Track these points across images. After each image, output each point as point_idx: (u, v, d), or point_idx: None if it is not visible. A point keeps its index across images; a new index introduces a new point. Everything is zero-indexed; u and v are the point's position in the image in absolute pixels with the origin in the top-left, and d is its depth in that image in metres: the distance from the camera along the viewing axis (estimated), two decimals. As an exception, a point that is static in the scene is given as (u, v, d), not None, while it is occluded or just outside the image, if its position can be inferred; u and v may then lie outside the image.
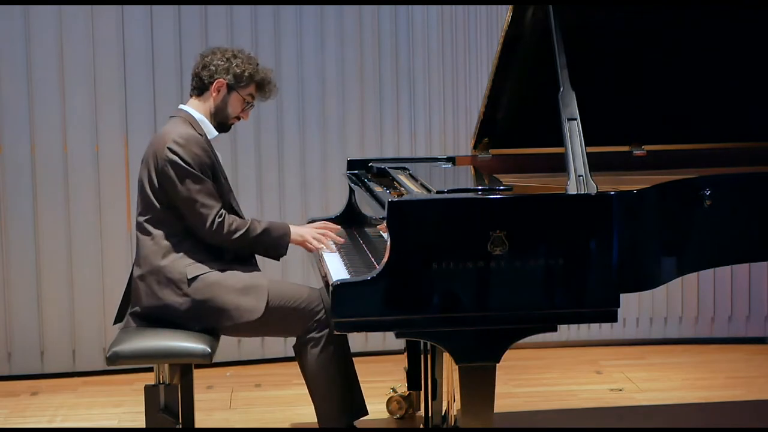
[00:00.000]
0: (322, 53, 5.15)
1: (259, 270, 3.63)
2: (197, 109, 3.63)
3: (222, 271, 3.51)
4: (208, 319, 3.47)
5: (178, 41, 4.98)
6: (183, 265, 3.48)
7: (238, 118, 3.69)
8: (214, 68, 3.60)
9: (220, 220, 3.47)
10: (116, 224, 5.00)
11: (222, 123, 3.66)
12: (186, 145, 3.47)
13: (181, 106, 3.67)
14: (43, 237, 4.96)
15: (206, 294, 3.46)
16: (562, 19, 3.43)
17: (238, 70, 3.59)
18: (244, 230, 3.51)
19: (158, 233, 3.52)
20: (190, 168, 3.46)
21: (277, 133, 5.15)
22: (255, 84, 3.65)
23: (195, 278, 3.46)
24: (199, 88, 3.64)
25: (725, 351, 5.36)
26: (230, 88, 3.61)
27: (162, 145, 3.49)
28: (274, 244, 3.58)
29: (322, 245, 3.63)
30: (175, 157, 3.46)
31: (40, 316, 4.99)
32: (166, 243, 3.51)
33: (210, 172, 3.52)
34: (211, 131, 3.63)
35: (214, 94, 3.61)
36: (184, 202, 3.47)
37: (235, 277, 3.51)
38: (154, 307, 3.50)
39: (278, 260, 3.67)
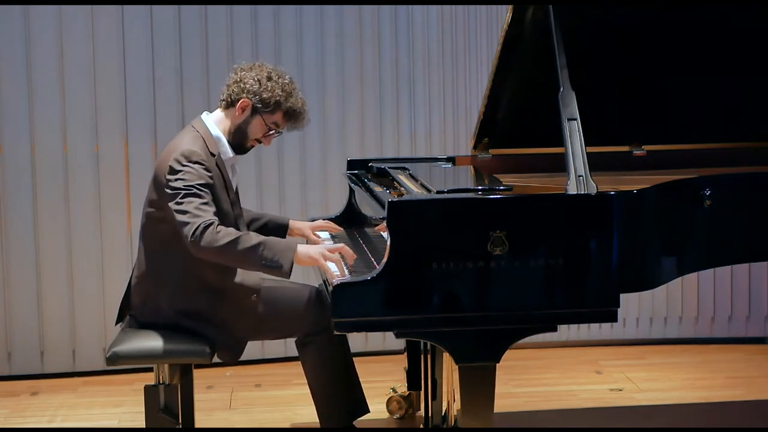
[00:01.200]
0: (322, 53, 5.15)
1: (258, 290, 3.50)
2: (218, 124, 3.48)
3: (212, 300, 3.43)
4: (206, 326, 3.45)
5: (178, 41, 4.98)
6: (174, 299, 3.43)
7: (259, 142, 3.50)
8: (243, 86, 3.42)
9: (204, 227, 3.21)
10: (116, 224, 5.00)
11: (240, 144, 3.49)
12: (187, 162, 3.32)
13: (203, 117, 3.51)
14: (43, 237, 4.96)
15: (204, 304, 3.43)
16: (562, 19, 3.43)
17: (266, 95, 3.41)
18: (230, 239, 3.20)
19: (159, 238, 3.43)
20: (186, 185, 3.29)
21: (277, 133, 5.14)
22: (282, 113, 3.46)
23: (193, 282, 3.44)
24: (227, 102, 3.47)
25: (725, 351, 5.36)
26: (255, 110, 3.44)
27: (167, 158, 3.36)
28: (272, 259, 3.21)
29: (334, 267, 3.28)
30: (173, 175, 3.31)
31: (40, 316, 4.99)
32: (166, 249, 3.42)
33: (210, 190, 3.34)
34: (226, 151, 3.46)
35: (237, 113, 3.45)
36: (175, 213, 3.28)
37: (222, 311, 3.44)
38: (153, 310, 3.47)
39: (285, 277, 3.28)
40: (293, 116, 3.48)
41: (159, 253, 3.45)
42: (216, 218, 3.27)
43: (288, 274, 3.24)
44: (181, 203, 3.27)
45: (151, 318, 3.48)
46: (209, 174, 3.36)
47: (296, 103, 3.47)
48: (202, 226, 3.21)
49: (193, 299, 3.43)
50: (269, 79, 3.44)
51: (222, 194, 3.43)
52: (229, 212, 3.45)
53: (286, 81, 3.47)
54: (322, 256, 3.26)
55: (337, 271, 3.24)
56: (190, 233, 3.21)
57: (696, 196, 3.42)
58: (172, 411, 3.40)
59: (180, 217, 3.25)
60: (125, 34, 4.95)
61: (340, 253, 3.31)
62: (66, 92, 4.93)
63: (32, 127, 4.91)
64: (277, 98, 3.42)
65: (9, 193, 4.93)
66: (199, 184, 3.30)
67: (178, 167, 3.32)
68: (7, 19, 4.85)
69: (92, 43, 4.92)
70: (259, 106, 3.43)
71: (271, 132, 3.49)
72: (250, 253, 3.21)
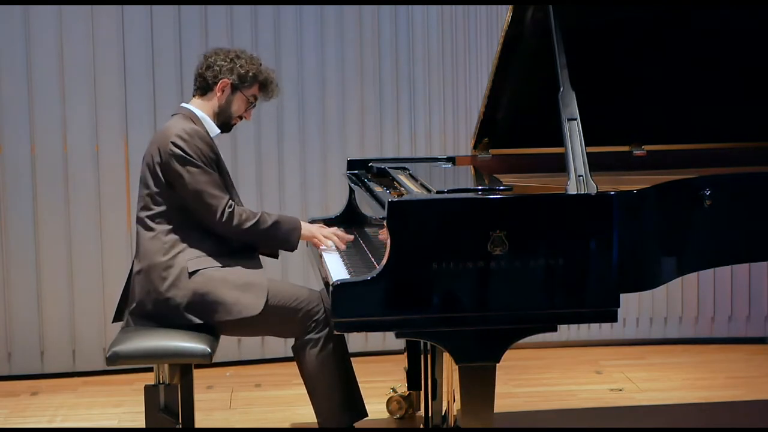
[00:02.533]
0: (322, 53, 5.15)
1: (262, 267, 3.63)
2: (200, 108, 3.65)
3: (224, 267, 3.51)
4: (207, 313, 3.46)
5: (178, 41, 4.99)
6: (185, 259, 3.49)
7: (241, 118, 3.70)
8: (218, 68, 3.62)
9: (230, 210, 3.49)
10: (116, 224, 5.00)
11: (225, 123, 3.68)
12: (190, 139, 3.49)
13: (184, 105, 3.69)
14: (43, 237, 4.96)
15: (206, 287, 3.46)
16: (562, 19, 3.43)
17: (242, 71, 3.62)
18: (254, 221, 3.53)
19: (160, 228, 3.53)
20: (195, 160, 3.48)
21: (277, 133, 5.15)
22: (258, 84, 3.68)
23: (195, 272, 3.47)
24: (203, 88, 3.66)
25: (725, 351, 5.36)
26: (234, 88, 3.63)
27: (166, 140, 3.51)
28: (285, 237, 3.60)
29: (331, 243, 3.66)
30: (180, 151, 3.48)
31: (40, 316, 4.99)
32: (167, 238, 3.52)
33: (215, 165, 3.55)
34: (213, 129, 3.64)
35: (218, 94, 3.63)
36: (191, 195, 3.49)
37: (236, 273, 3.51)
38: (154, 301, 3.50)
39: (292, 251, 3.69)
40: (267, 85, 3.71)
41: (163, 240, 3.51)
42: (228, 195, 3.53)
43: (295, 248, 3.66)
44: (196, 182, 3.48)
45: (154, 309, 3.49)
46: (212, 149, 3.55)
47: (268, 73, 3.71)
48: (228, 210, 3.50)
49: (197, 285, 3.47)
50: (238, 57, 3.66)
51: (223, 169, 3.62)
52: (228, 188, 3.62)
53: (251, 56, 3.70)
54: (321, 234, 3.66)
55: (332, 246, 3.64)
56: (216, 216, 3.48)
57: (696, 196, 3.42)
58: (172, 411, 3.40)
59: (198, 199, 3.48)
60: (125, 34, 4.95)
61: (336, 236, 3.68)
62: (66, 92, 4.93)
63: (32, 127, 4.91)
64: (253, 71, 3.65)
65: (9, 193, 4.93)
66: (205, 161, 3.51)
67: (182, 144, 3.49)
68: (7, 19, 4.85)
69: (92, 43, 4.92)
70: (237, 82, 3.63)
71: (251, 104, 3.70)
72: (267, 233, 3.57)
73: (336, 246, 3.66)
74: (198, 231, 3.54)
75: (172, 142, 3.48)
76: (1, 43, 4.87)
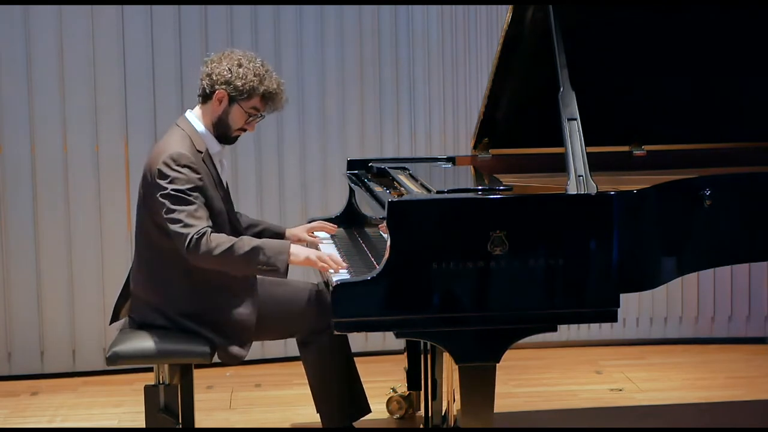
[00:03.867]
0: (322, 53, 5.15)
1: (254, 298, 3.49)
2: (201, 120, 3.47)
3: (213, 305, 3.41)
4: (203, 326, 3.43)
5: (178, 41, 4.98)
6: (176, 295, 3.42)
7: (244, 130, 3.50)
8: (216, 78, 3.41)
9: (197, 237, 3.23)
10: (116, 224, 5.00)
11: (224, 134, 3.48)
12: (176, 166, 3.31)
13: (187, 114, 3.50)
14: (43, 237, 4.96)
15: (202, 308, 3.42)
16: (562, 19, 3.43)
17: (239, 83, 3.39)
18: (227, 246, 3.23)
19: (157, 240, 3.42)
20: (177, 190, 3.29)
21: (277, 133, 5.14)
22: (259, 97, 3.44)
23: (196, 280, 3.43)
24: (203, 96, 3.47)
25: (725, 351, 5.36)
26: (232, 99, 3.42)
27: (156, 160, 3.35)
28: (268, 262, 3.26)
29: (327, 267, 3.32)
30: (162, 181, 3.30)
31: (40, 316, 4.99)
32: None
33: (201, 193, 3.34)
34: (213, 146, 3.46)
35: (215, 105, 3.44)
36: (168, 222, 3.28)
37: (226, 312, 3.41)
38: (154, 308, 3.47)
39: (283, 277, 3.33)
40: (271, 98, 3.47)
41: (155, 253, 3.44)
42: (209, 226, 3.28)
43: (285, 275, 3.29)
44: (173, 210, 3.27)
45: (150, 320, 3.47)
46: (199, 176, 3.34)
47: (271, 85, 3.46)
48: (196, 236, 3.23)
49: (192, 300, 3.42)
50: (240, 66, 3.41)
51: (213, 192, 3.42)
52: (222, 210, 3.44)
53: (258, 65, 3.45)
54: (317, 258, 3.31)
55: (331, 270, 3.29)
56: (185, 244, 3.23)
57: (696, 196, 3.42)
58: (172, 411, 3.40)
59: (173, 227, 3.26)
60: (125, 34, 4.95)
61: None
62: (66, 92, 4.93)
63: (32, 127, 4.91)
64: (251, 84, 3.40)
65: (9, 193, 4.93)
66: (189, 189, 3.30)
67: (167, 171, 3.30)
68: (7, 19, 4.85)
69: (92, 43, 4.92)
70: (235, 94, 3.41)
71: (251, 118, 3.48)
72: (246, 259, 3.25)
73: (334, 267, 3.33)
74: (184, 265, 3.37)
75: (158, 168, 3.31)
76: (1, 42, 4.87)
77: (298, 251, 3.31)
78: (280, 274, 3.27)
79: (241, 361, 3.46)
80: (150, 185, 3.35)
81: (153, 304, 3.46)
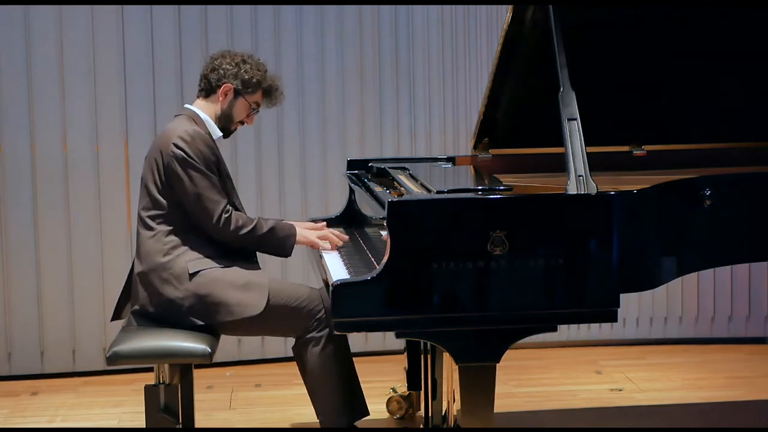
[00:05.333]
0: (322, 53, 5.15)
1: (260, 269, 3.63)
2: (203, 110, 3.65)
3: (224, 267, 3.52)
4: (209, 314, 3.47)
5: (178, 41, 4.99)
6: (185, 260, 3.49)
7: (242, 123, 3.71)
8: (222, 72, 3.62)
9: (226, 216, 3.49)
10: (116, 224, 5.00)
11: (225, 127, 3.68)
12: (192, 141, 3.49)
13: (187, 106, 3.69)
14: (43, 237, 4.96)
15: (207, 289, 3.47)
16: (562, 19, 3.43)
17: (246, 76, 3.62)
18: (250, 228, 3.53)
19: (161, 229, 3.53)
20: (196, 163, 3.48)
21: (277, 133, 5.15)
22: (262, 91, 3.68)
23: (196, 273, 3.47)
24: (207, 90, 3.67)
25: (725, 351, 5.36)
26: (237, 93, 3.64)
27: (168, 141, 3.51)
28: (280, 244, 3.59)
29: (328, 243, 3.67)
30: (181, 153, 3.48)
31: (40, 316, 4.99)
32: (168, 239, 3.52)
33: (216, 168, 3.54)
34: (215, 132, 3.65)
35: (221, 98, 3.64)
36: (190, 198, 3.48)
37: (236, 273, 3.52)
38: (156, 303, 3.50)
39: (287, 257, 3.69)
40: (271, 93, 3.72)
41: (163, 241, 3.52)
42: (226, 200, 3.53)
43: (288, 255, 3.65)
44: (195, 186, 3.47)
45: (156, 312, 3.50)
46: (213, 150, 3.54)
47: (273, 81, 3.71)
48: (225, 215, 3.49)
49: (198, 286, 3.47)
50: (244, 62, 3.65)
51: (224, 172, 3.62)
52: (229, 191, 3.63)
53: (260, 62, 3.71)
54: (316, 237, 3.65)
55: (329, 247, 3.66)
56: (214, 219, 3.48)
57: (696, 196, 3.42)
58: (172, 411, 3.41)
59: (198, 202, 3.47)
60: (125, 34, 4.95)
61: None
62: (66, 92, 4.93)
63: (32, 127, 4.91)
64: (257, 78, 3.65)
65: (9, 193, 4.93)
66: (205, 164, 3.50)
67: (183, 146, 3.48)
68: (7, 19, 4.85)
69: (92, 43, 4.92)
70: (241, 88, 3.64)
71: (253, 110, 3.70)
72: (263, 239, 3.57)
73: (333, 243, 3.67)
74: (197, 232, 3.54)
75: (174, 144, 3.49)
76: (1, 43, 4.87)
77: (303, 233, 3.65)
78: (284, 253, 3.62)
79: (259, 311, 3.48)
80: (162, 165, 3.51)
81: (161, 295, 3.49)
